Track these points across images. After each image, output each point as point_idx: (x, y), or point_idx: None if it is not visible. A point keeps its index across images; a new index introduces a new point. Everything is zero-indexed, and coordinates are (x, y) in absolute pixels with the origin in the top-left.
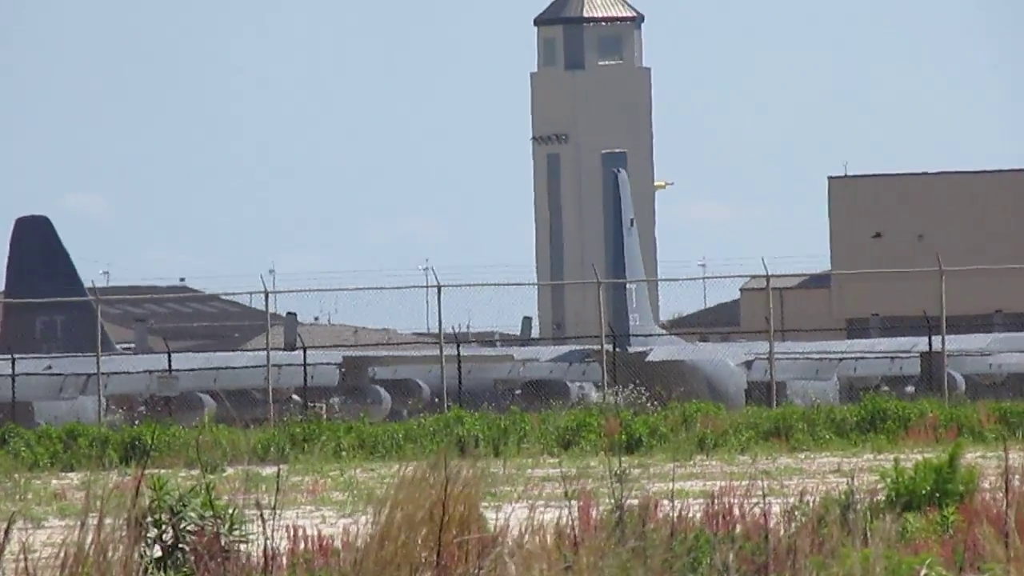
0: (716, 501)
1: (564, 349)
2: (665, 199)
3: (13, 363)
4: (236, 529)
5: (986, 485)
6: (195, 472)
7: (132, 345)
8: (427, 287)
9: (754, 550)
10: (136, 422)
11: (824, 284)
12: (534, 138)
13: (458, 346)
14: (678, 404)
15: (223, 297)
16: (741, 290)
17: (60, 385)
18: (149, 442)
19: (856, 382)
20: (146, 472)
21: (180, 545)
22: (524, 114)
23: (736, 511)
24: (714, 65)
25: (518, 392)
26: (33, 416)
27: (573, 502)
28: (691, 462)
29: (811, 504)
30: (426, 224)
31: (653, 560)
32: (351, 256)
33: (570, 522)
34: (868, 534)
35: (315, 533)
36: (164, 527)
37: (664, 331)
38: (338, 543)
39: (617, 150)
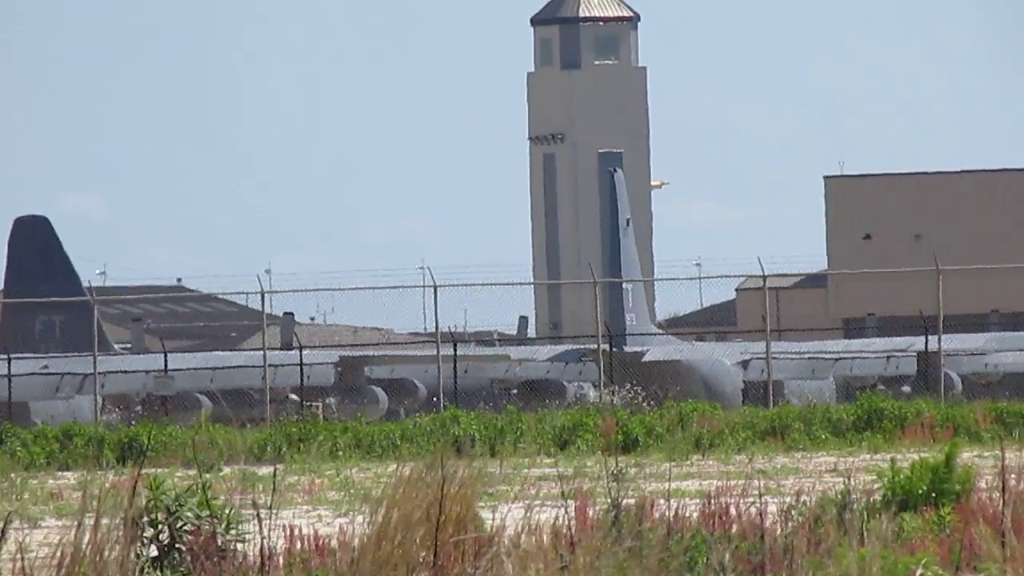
0: (712, 501)
1: (560, 349)
2: (661, 199)
3: (9, 363)
4: (232, 529)
5: (982, 485)
6: (191, 472)
7: (129, 345)
8: (424, 287)
9: (750, 550)
10: (132, 422)
11: (820, 284)
12: (530, 138)
13: (455, 346)
14: (674, 404)
15: (220, 297)
16: (737, 290)
17: (56, 385)
18: (145, 442)
19: (852, 382)
20: (142, 472)
21: (176, 545)
22: (520, 114)
23: (732, 511)
24: (710, 65)
25: (514, 392)
26: (30, 416)
27: (569, 502)
28: (687, 462)
29: (807, 504)
30: (423, 224)
31: (649, 560)
32: (348, 256)
33: (566, 522)
34: (864, 534)
35: (311, 533)
36: (160, 527)
37: (660, 331)
38: (335, 543)
39: (613, 150)
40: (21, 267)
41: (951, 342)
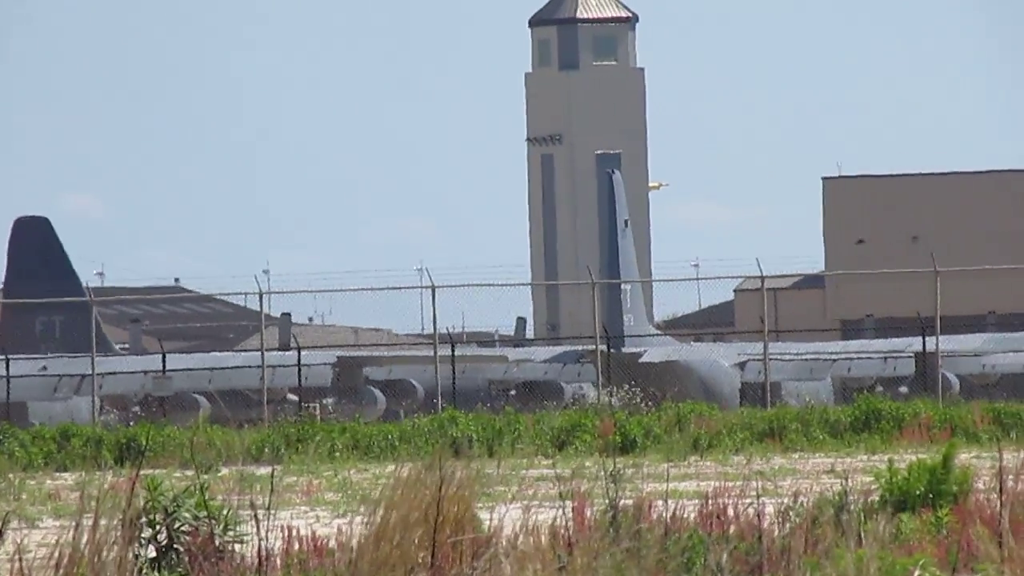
0: (710, 501)
1: (558, 350)
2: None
3: (7, 364)
4: (230, 529)
5: (980, 486)
6: (189, 472)
7: (127, 346)
8: (421, 288)
9: (748, 550)
10: (130, 423)
11: (818, 285)
12: (528, 139)
13: (452, 346)
14: (672, 405)
15: (218, 298)
16: (735, 291)
17: (54, 386)
18: (144, 443)
19: (850, 383)
20: (140, 473)
21: (174, 545)
22: (519, 115)
23: (730, 511)
24: (708, 66)
25: (513, 393)
26: (28, 416)
27: (567, 502)
28: (685, 463)
29: (805, 505)
30: (421, 225)
31: (647, 560)
32: (345, 257)
33: (564, 522)
34: (862, 535)
35: (309, 534)
36: (158, 527)
37: (658, 332)
38: (333, 543)
39: (611, 151)
40: (21, 267)
41: (949, 343)
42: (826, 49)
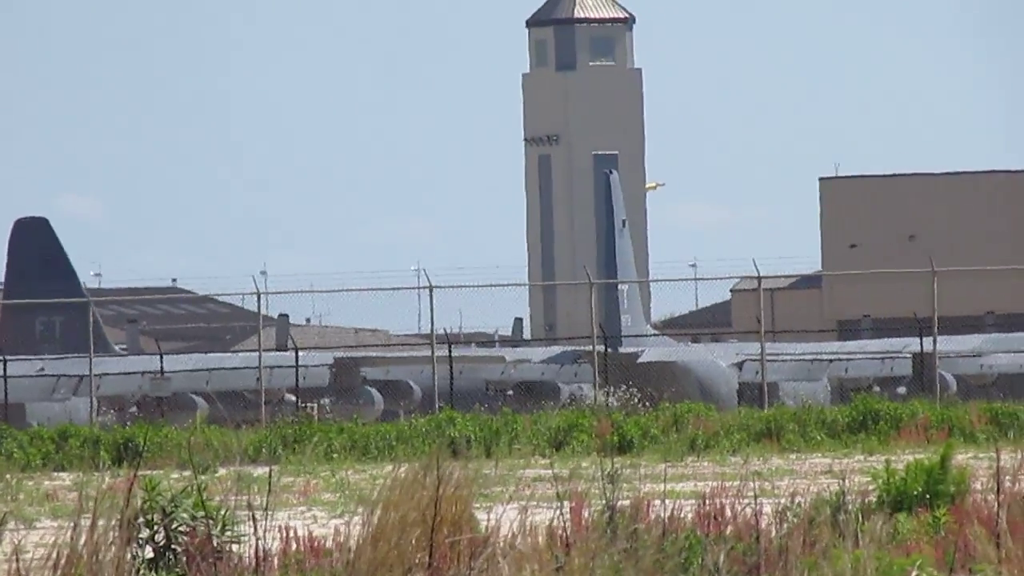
0: (708, 502)
1: (556, 350)
2: (656, 200)
3: (5, 364)
4: (228, 530)
5: (977, 486)
6: (187, 473)
7: (124, 346)
8: (419, 288)
9: (745, 551)
10: (128, 423)
11: (815, 285)
12: (526, 139)
13: (450, 347)
14: (669, 405)
15: (215, 298)
16: (732, 291)
17: (52, 386)
18: (141, 443)
19: (847, 383)
20: (138, 473)
21: (172, 546)
22: (516, 115)
23: (727, 512)
24: (705, 66)
25: (510, 393)
26: (26, 417)
27: (565, 503)
28: (683, 463)
29: (802, 505)
30: (418, 225)
31: (644, 560)
32: (343, 257)
33: (562, 523)
34: (859, 535)
35: (307, 534)
36: (156, 528)
37: (656, 332)
38: (330, 544)
39: (609, 151)
40: (21, 268)
41: (946, 343)
42: (823, 50)
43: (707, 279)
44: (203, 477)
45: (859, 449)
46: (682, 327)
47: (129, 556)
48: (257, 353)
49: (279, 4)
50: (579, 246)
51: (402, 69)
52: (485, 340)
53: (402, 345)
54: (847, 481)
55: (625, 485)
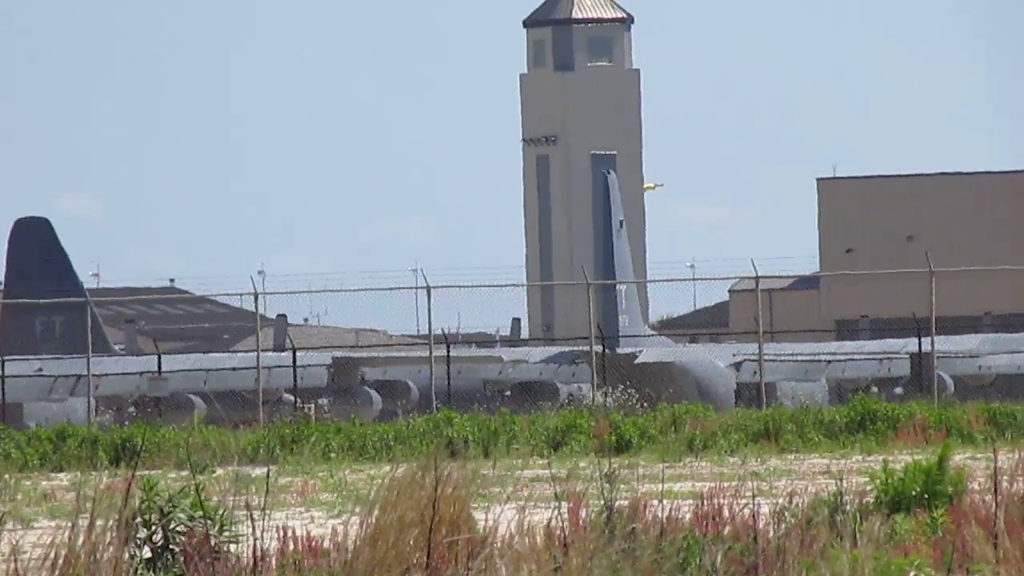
0: (705, 502)
1: (554, 350)
2: (655, 200)
3: (3, 365)
4: (226, 530)
5: (975, 486)
6: (185, 473)
7: (122, 346)
8: (416, 288)
9: (743, 551)
10: (126, 423)
11: (813, 285)
12: (524, 140)
13: (448, 347)
14: (667, 405)
15: (213, 299)
16: (730, 291)
17: (50, 386)
18: (139, 443)
19: (845, 383)
20: (136, 473)
21: (170, 546)
22: (514, 116)
23: (725, 512)
24: (704, 67)
25: (508, 393)
26: (23, 417)
27: (562, 503)
28: (680, 463)
29: (800, 505)
30: (416, 225)
31: (642, 561)
32: (341, 257)
33: (559, 523)
34: (857, 535)
35: (304, 534)
36: (154, 528)
37: (653, 332)
38: (328, 544)
39: (607, 151)
40: (21, 268)
41: (944, 344)
42: (821, 50)
43: (705, 279)
44: (201, 477)
45: (857, 449)
46: (680, 327)
47: (127, 556)
48: (255, 353)
49: (278, 5)
50: (577, 246)
51: (400, 69)
52: (486, 340)
53: (400, 345)
54: (845, 481)
55: (623, 485)
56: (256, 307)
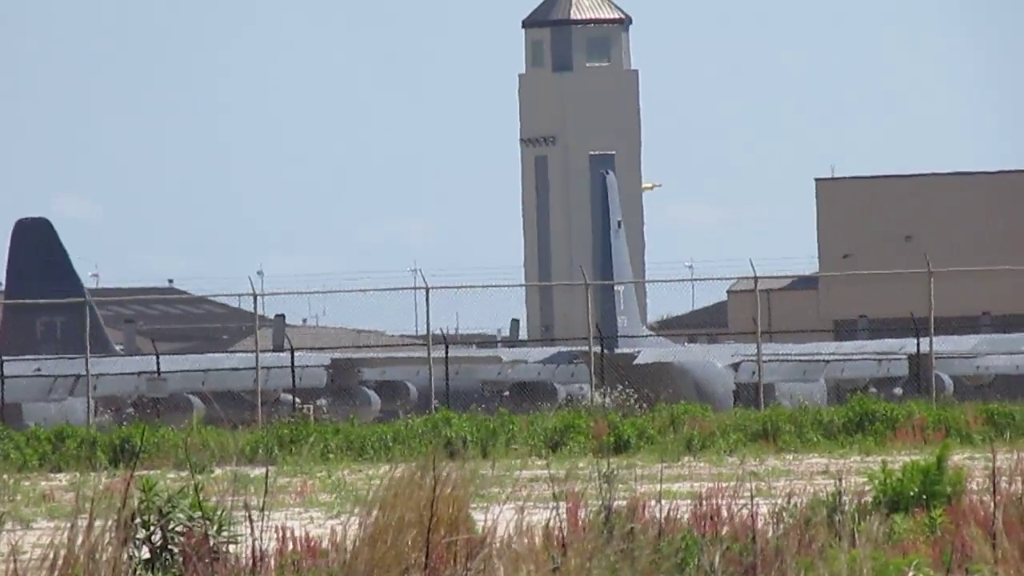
0: (704, 502)
1: (552, 351)
2: (653, 201)
3: (2, 365)
4: (224, 530)
5: (974, 487)
6: (184, 473)
7: (121, 346)
8: (415, 289)
9: (742, 551)
10: (125, 424)
11: (812, 286)
12: (522, 140)
13: (446, 348)
14: (666, 406)
15: (212, 299)
16: (729, 292)
17: (49, 387)
18: (138, 444)
19: (844, 384)
20: (135, 473)
21: (169, 546)
22: (512, 116)
23: (724, 512)
24: (702, 67)
25: (506, 394)
26: (22, 418)
27: (561, 503)
28: (679, 463)
29: (799, 506)
30: (414, 226)
31: (640, 561)
32: (339, 258)
33: (558, 523)
34: (856, 535)
35: (303, 534)
36: (153, 528)
37: (652, 333)
38: (326, 544)
39: (605, 152)
40: (22, 269)
41: (942, 344)
42: (819, 50)
43: (703, 280)
44: (200, 477)
45: (855, 450)
46: (678, 328)
47: (126, 556)
48: (254, 354)
49: (276, 5)
50: (575, 247)
51: (398, 70)
52: (487, 341)
53: (399, 346)
54: (843, 481)
55: (621, 485)
56: (255, 308)
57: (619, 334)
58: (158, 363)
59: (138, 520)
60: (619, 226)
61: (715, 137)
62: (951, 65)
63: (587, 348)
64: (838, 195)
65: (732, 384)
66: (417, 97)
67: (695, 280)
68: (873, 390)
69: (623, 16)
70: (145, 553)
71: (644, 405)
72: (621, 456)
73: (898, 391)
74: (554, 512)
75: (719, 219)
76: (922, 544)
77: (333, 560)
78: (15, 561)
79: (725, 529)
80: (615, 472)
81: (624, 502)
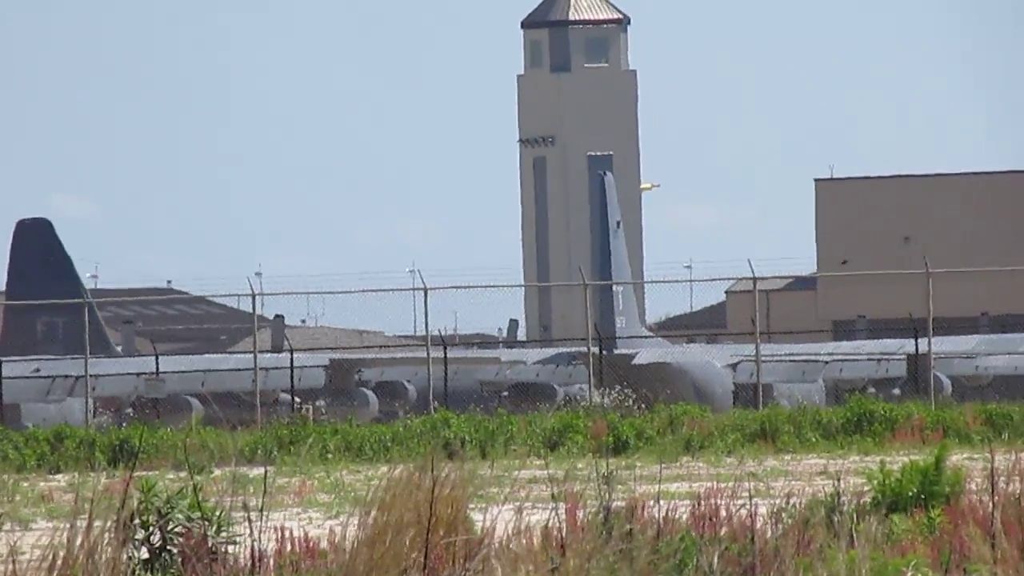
0: (702, 503)
1: (551, 351)
2: (651, 201)
3: (0, 365)
4: (223, 531)
5: (972, 487)
6: (182, 474)
7: (119, 347)
8: (414, 289)
9: (740, 552)
10: (124, 424)
11: (810, 286)
12: (520, 140)
13: (445, 348)
14: (665, 406)
15: (210, 300)
16: (727, 292)
17: (48, 387)
18: (137, 444)
19: (842, 384)
20: (134, 474)
21: (168, 547)
22: (511, 117)
23: (722, 513)
24: (700, 67)
25: (505, 394)
26: (21, 418)
27: (560, 504)
28: (677, 464)
29: (797, 506)
30: (413, 227)
31: (639, 562)
32: (338, 259)
33: (557, 524)
34: (854, 535)
35: (302, 535)
36: (152, 529)
37: (651, 333)
38: (325, 544)
39: (603, 152)
40: (23, 269)
41: (941, 344)
42: (818, 51)
43: (702, 280)
44: (199, 478)
45: (854, 450)
46: (677, 328)
47: (125, 557)
48: (252, 354)
49: (276, 6)
50: (574, 247)
51: (397, 70)
52: (488, 341)
53: (397, 346)
54: (842, 482)
55: (620, 486)
56: (253, 308)
57: (618, 335)
58: (157, 364)
59: (137, 521)
60: (618, 226)
61: (714, 137)
62: (950, 66)
63: (586, 349)
64: (837, 196)
65: (731, 384)
66: (416, 97)
67: (694, 281)
68: (872, 390)
69: (621, 17)
70: (144, 554)
71: (643, 405)
72: (620, 456)
73: (897, 391)
74: (553, 513)
75: (718, 220)
76: (920, 544)
77: (332, 561)
78: (14, 562)
79: (724, 529)
80: (614, 473)
81: (623, 503)
